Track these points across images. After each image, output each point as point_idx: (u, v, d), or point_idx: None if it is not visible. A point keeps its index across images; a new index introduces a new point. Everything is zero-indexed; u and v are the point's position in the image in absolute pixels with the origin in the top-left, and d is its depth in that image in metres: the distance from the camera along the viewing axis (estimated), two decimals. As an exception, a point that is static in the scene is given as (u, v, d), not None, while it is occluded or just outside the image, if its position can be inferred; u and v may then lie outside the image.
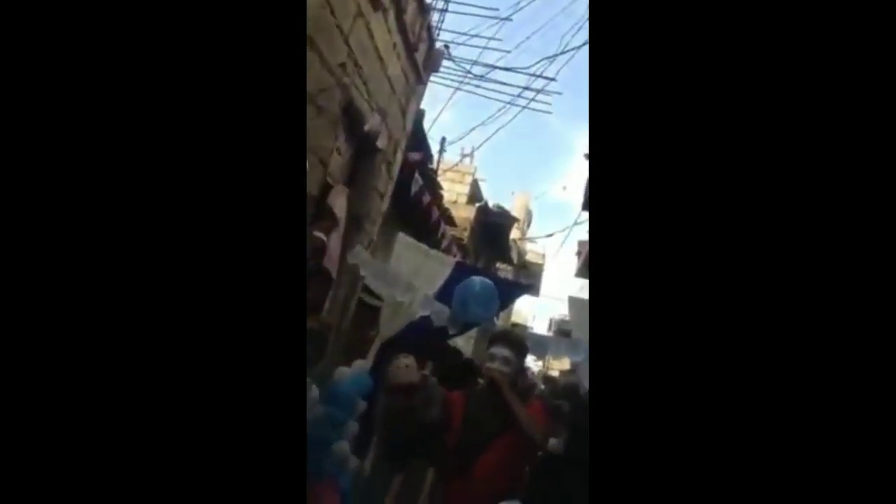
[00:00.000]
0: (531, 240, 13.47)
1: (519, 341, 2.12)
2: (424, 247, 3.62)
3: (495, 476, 1.80)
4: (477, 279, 3.19)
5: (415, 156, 4.44)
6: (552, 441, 2.03)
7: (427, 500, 1.85)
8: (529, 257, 14.58)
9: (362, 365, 3.21)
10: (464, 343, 5.16)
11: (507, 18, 5.02)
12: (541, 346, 2.99)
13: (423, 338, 2.93)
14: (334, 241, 3.13)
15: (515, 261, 12.09)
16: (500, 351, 2.00)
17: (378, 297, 3.62)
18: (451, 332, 3.15)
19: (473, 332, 4.12)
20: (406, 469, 1.88)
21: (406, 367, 2.01)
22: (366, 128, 3.30)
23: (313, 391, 2.21)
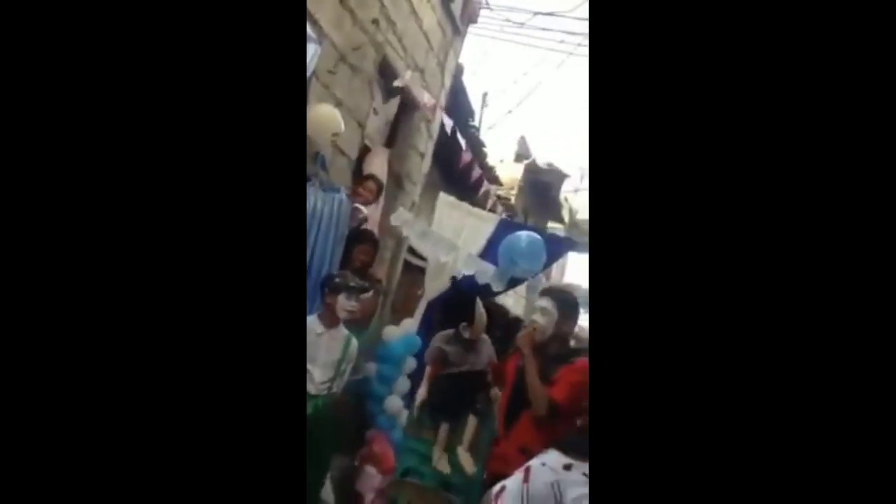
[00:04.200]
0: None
1: (565, 295, 2.05)
2: (467, 205, 3.57)
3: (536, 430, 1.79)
4: (523, 233, 3.12)
5: (450, 114, 4.32)
6: None
7: (468, 446, 1.87)
8: (582, 215, 14.12)
9: (410, 324, 3.29)
10: (514, 302, 5.13)
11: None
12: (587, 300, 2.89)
13: (467, 296, 2.91)
14: (374, 207, 3.14)
15: (567, 219, 11.74)
16: (541, 302, 1.95)
17: (422, 258, 3.63)
18: (495, 289, 3.12)
19: (522, 291, 4.08)
20: (452, 418, 1.92)
21: (482, 313, 1.99)
22: (396, 83, 3.22)
23: (353, 344, 2.29)
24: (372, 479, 2.68)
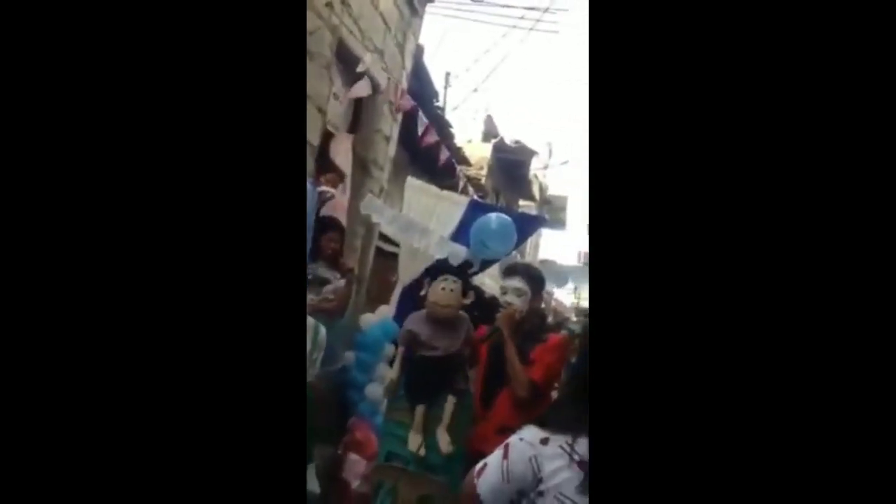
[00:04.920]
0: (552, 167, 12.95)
1: (531, 271, 2.07)
2: (435, 189, 3.55)
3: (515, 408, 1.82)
4: (493, 215, 3.13)
5: (413, 96, 4.26)
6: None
7: (448, 425, 1.89)
8: (553, 191, 14.27)
9: (386, 311, 3.28)
10: (491, 282, 5.18)
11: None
12: (561, 277, 2.95)
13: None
14: (341, 191, 3.09)
15: (538, 196, 11.85)
16: (512, 283, 1.97)
17: (394, 244, 3.61)
18: (469, 271, 3.13)
19: (496, 271, 4.11)
20: (428, 400, 1.92)
21: (451, 290, 1.93)
22: (359, 69, 3.15)
23: (321, 333, 2.27)
24: (356, 466, 2.70)
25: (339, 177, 2.99)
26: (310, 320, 2.24)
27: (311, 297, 2.13)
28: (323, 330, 2.27)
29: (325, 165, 3.11)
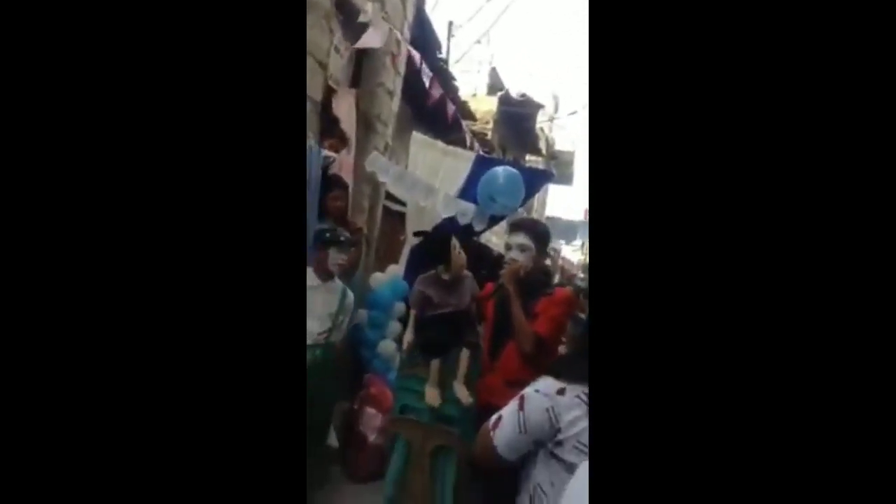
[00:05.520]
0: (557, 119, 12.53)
1: (536, 226, 2.04)
2: (441, 144, 3.48)
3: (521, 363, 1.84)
4: (500, 169, 3.07)
5: (416, 47, 4.09)
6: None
7: (463, 381, 1.94)
8: (560, 145, 13.96)
9: (396, 270, 3.30)
10: (497, 239, 5.17)
11: None
12: (569, 233, 2.92)
13: (445, 236, 2.92)
14: (345, 149, 3.03)
15: (545, 151, 11.61)
16: (516, 238, 1.94)
17: (401, 203, 3.58)
18: (477, 228, 3.12)
19: (505, 227, 4.09)
20: (442, 354, 1.96)
21: (459, 252, 2.08)
22: (360, 19, 3.01)
23: (349, 296, 2.33)
24: (373, 419, 2.79)
25: (342, 141, 2.92)
26: (338, 283, 2.28)
27: (341, 258, 2.22)
28: (350, 294, 2.31)
29: (329, 123, 3.03)
